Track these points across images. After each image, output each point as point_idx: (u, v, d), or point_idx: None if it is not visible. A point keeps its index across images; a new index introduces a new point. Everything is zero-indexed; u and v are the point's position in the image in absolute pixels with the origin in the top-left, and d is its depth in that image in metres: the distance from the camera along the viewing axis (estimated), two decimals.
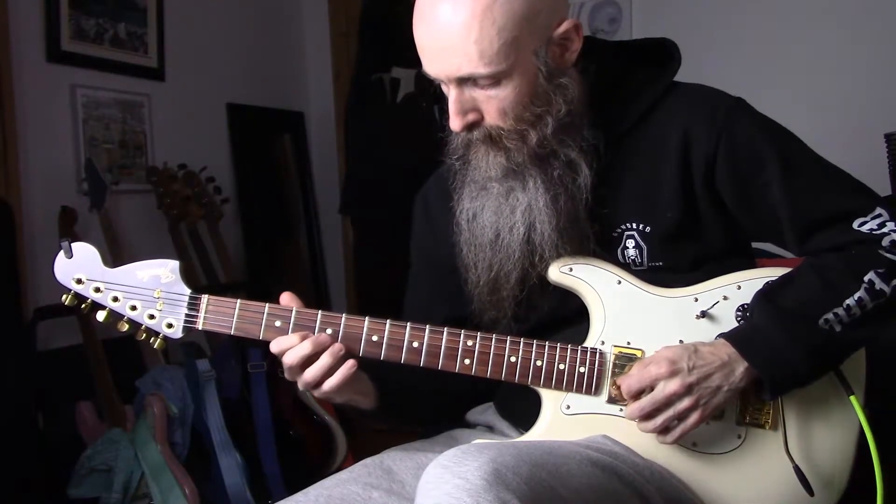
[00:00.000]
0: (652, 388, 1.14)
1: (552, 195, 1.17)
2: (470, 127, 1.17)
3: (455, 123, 1.16)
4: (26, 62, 2.61)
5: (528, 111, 1.15)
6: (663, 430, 1.15)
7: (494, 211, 1.21)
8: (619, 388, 1.18)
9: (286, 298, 1.19)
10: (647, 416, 1.14)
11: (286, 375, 1.18)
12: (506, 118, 1.15)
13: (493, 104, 1.15)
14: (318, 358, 1.15)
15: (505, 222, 1.20)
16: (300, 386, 1.17)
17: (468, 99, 1.15)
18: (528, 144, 1.16)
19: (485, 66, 1.10)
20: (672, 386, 1.12)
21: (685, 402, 1.13)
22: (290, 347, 1.15)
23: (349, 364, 1.16)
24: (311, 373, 1.15)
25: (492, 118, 1.16)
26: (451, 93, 1.15)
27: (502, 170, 1.18)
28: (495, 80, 1.12)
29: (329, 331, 1.18)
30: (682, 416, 1.14)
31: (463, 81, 1.13)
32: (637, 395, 1.15)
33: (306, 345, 1.15)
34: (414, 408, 1.34)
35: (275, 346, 1.16)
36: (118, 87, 2.91)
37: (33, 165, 2.62)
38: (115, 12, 2.90)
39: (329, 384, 1.15)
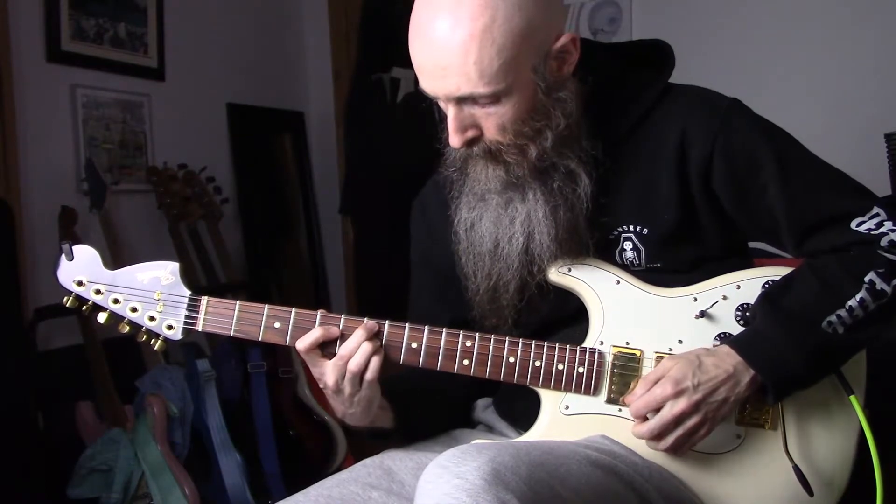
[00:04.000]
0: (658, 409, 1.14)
1: (552, 206, 1.18)
2: (469, 143, 1.17)
3: (455, 140, 1.16)
4: (26, 62, 2.61)
5: (528, 126, 1.15)
6: (673, 449, 1.15)
7: (493, 221, 1.21)
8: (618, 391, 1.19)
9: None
10: (658, 436, 1.14)
11: (319, 374, 1.19)
12: (505, 134, 1.15)
13: (493, 120, 1.14)
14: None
15: (504, 233, 1.20)
16: (340, 384, 1.17)
17: (467, 116, 1.14)
18: (528, 158, 1.16)
19: (484, 85, 1.09)
20: (679, 406, 1.12)
21: (693, 420, 1.13)
22: (331, 339, 1.17)
23: (376, 345, 1.17)
24: (355, 362, 1.16)
25: (491, 134, 1.15)
26: (450, 111, 1.14)
27: (502, 183, 1.18)
28: (495, 98, 1.11)
29: None
30: (690, 433, 1.14)
31: (462, 100, 1.12)
32: (645, 416, 1.16)
33: (351, 340, 1.17)
34: (428, 414, 1.34)
35: (302, 345, 1.16)
36: (118, 87, 2.91)
37: (33, 165, 2.62)
38: (115, 12, 2.89)
39: (372, 370, 1.16)
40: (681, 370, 1.13)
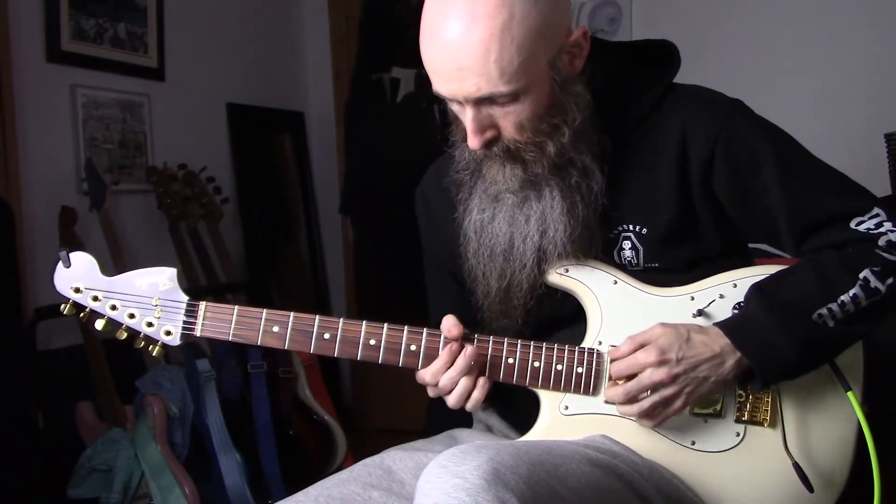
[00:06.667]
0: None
1: (569, 203, 1.17)
2: (489, 144, 1.16)
3: (475, 142, 1.14)
4: (26, 62, 2.61)
5: (545, 122, 1.14)
6: (646, 415, 1.16)
7: (508, 221, 1.20)
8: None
9: (449, 322, 1.20)
10: (632, 399, 1.15)
11: (433, 394, 1.22)
12: (523, 132, 1.14)
13: (511, 119, 1.13)
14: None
15: (519, 232, 1.20)
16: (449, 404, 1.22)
17: (485, 116, 1.13)
18: (547, 155, 1.15)
19: (504, 84, 1.08)
20: (658, 375, 1.13)
21: (669, 391, 1.14)
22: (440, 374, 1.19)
23: (482, 384, 1.19)
24: (453, 399, 1.19)
25: (509, 133, 1.15)
26: (468, 112, 1.13)
27: (520, 181, 1.18)
28: (514, 96, 1.11)
29: (327, 335, 1.18)
30: (665, 402, 1.15)
31: (481, 101, 1.11)
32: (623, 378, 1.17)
33: (447, 374, 1.18)
34: None
35: (429, 378, 1.19)
36: (118, 87, 2.91)
37: (33, 165, 2.62)
38: (115, 12, 2.89)
39: (469, 406, 1.20)
40: (668, 341, 1.14)
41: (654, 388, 1.14)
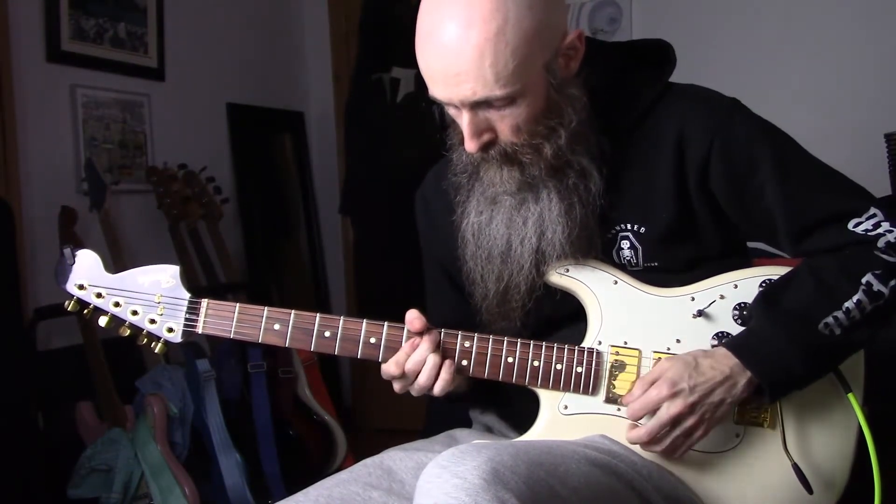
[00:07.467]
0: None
1: (567, 204, 1.17)
2: (485, 147, 1.16)
3: (471, 146, 1.15)
4: (26, 62, 2.61)
5: (542, 125, 1.14)
6: (671, 450, 1.16)
7: (506, 223, 1.20)
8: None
9: (412, 315, 1.20)
10: (655, 439, 1.15)
11: (399, 388, 1.21)
12: (520, 134, 1.14)
13: (507, 122, 1.14)
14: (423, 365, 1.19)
15: (516, 234, 1.20)
16: (414, 392, 1.21)
17: (482, 120, 1.13)
18: (544, 157, 1.16)
19: (500, 88, 1.08)
20: (675, 407, 1.13)
21: (690, 421, 1.14)
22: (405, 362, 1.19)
23: (448, 365, 1.19)
24: (423, 378, 1.18)
25: (506, 136, 1.15)
26: (465, 116, 1.13)
27: (517, 184, 1.18)
28: (510, 99, 1.11)
29: (327, 333, 1.19)
30: (687, 434, 1.15)
31: (477, 104, 1.11)
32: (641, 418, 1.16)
33: (413, 356, 1.18)
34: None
35: (394, 368, 1.19)
36: (118, 87, 2.92)
37: (33, 165, 2.62)
38: (115, 12, 2.90)
39: (438, 387, 1.19)
40: (677, 372, 1.14)
41: (674, 421, 1.13)
